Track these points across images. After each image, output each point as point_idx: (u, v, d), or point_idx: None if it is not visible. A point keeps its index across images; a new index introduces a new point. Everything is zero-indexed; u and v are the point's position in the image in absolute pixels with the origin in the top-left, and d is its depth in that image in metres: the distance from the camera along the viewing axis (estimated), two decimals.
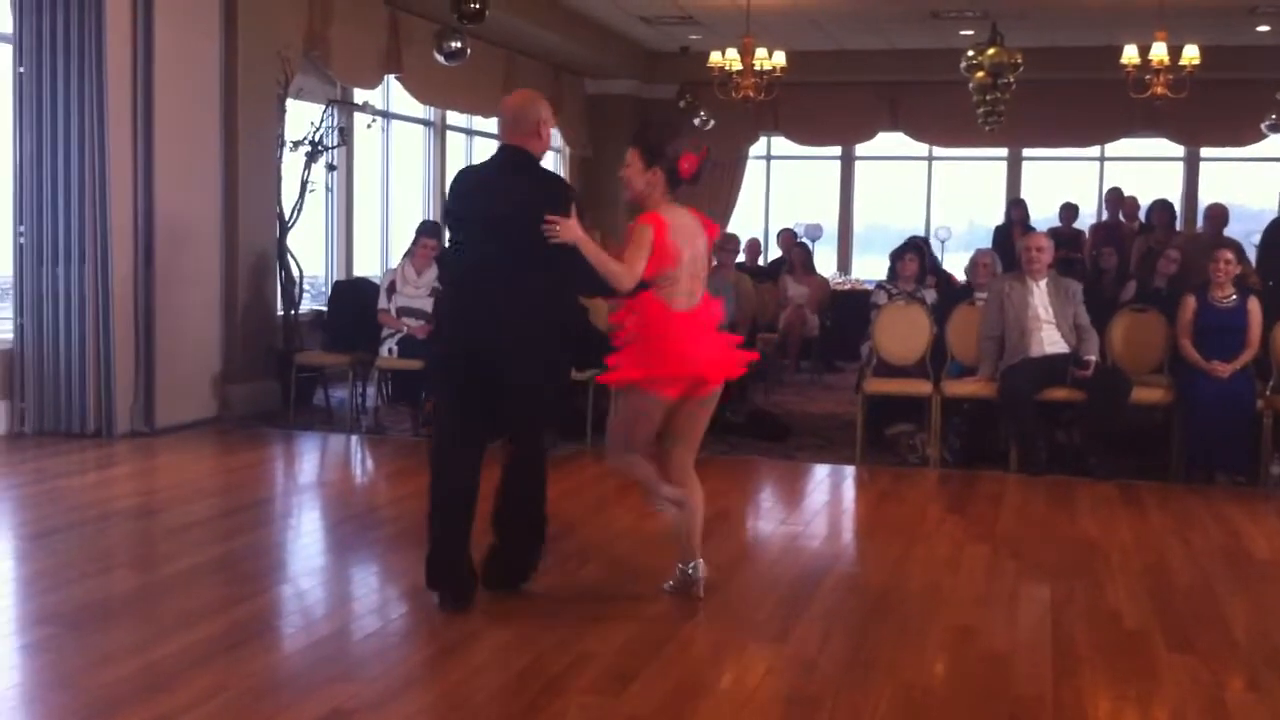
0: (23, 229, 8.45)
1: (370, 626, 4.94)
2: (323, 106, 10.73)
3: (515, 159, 5.20)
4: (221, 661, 4.38)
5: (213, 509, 6.80)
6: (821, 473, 8.16)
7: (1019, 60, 12.80)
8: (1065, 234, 13.01)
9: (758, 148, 17.99)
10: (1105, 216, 14.08)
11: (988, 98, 13.46)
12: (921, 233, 16.59)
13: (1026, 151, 17.25)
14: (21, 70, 8.36)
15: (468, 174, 5.43)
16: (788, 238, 14.27)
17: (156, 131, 8.70)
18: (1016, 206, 14.82)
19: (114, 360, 8.47)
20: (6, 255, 8.54)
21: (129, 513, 6.72)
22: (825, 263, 15.82)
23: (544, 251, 4.93)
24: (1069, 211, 13.89)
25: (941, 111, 16.17)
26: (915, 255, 9.37)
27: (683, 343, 5.07)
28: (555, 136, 16.97)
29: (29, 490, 7.14)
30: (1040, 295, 8.13)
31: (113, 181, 8.41)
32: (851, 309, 12.61)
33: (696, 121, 16.43)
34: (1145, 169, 16.66)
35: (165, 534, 6.24)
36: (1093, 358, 7.93)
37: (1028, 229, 13.25)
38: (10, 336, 8.52)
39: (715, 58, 12.88)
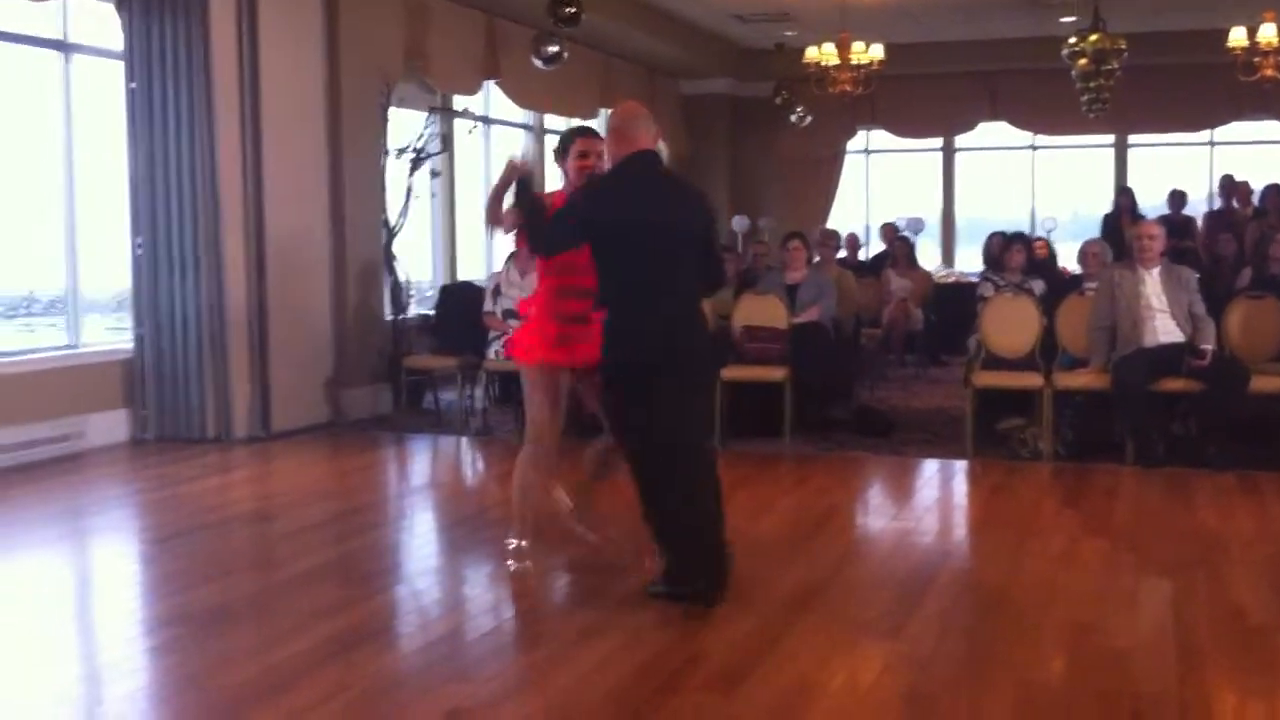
0: (140, 241, 8.69)
1: (484, 627, 5.00)
2: (424, 114, 10.87)
3: (657, 166, 5.39)
4: (340, 662, 4.46)
5: (328, 512, 6.93)
6: (931, 468, 8.08)
7: (1123, 46, 12.54)
8: (1176, 221, 12.76)
9: (856, 142, 17.86)
10: (1218, 204, 13.76)
11: (1091, 85, 13.20)
12: (1026, 224, 16.38)
13: (1132, 138, 16.91)
14: (133, 86, 8.59)
15: (616, 184, 5.27)
16: (890, 232, 14.16)
17: (265, 143, 8.90)
18: (1124, 194, 14.58)
19: (231, 367, 8.69)
20: (125, 267, 8.78)
21: (248, 517, 6.88)
22: (927, 256, 15.65)
23: (692, 254, 5.17)
24: (1178, 198, 13.61)
25: (1043, 99, 15.90)
26: (1022, 246, 9.24)
27: None
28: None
29: (152, 496, 7.35)
30: (1153, 284, 7.97)
31: (224, 192, 8.62)
32: (955, 302, 12.48)
33: (793, 118, 16.36)
34: (1256, 153, 16.23)
35: (283, 537, 6.38)
36: (1209, 346, 7.76)
37: (1136, 217, 13.01)
38: (131, 346, 8.76)
39: (811, 53, 12.83)
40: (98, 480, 7.73)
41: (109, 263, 8.89)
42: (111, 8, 8.55)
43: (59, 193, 8.53)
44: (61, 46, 8.49)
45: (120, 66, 8.63)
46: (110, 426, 8.55)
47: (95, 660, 4.65)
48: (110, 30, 8.66)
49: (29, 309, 8.91)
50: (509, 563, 5.50)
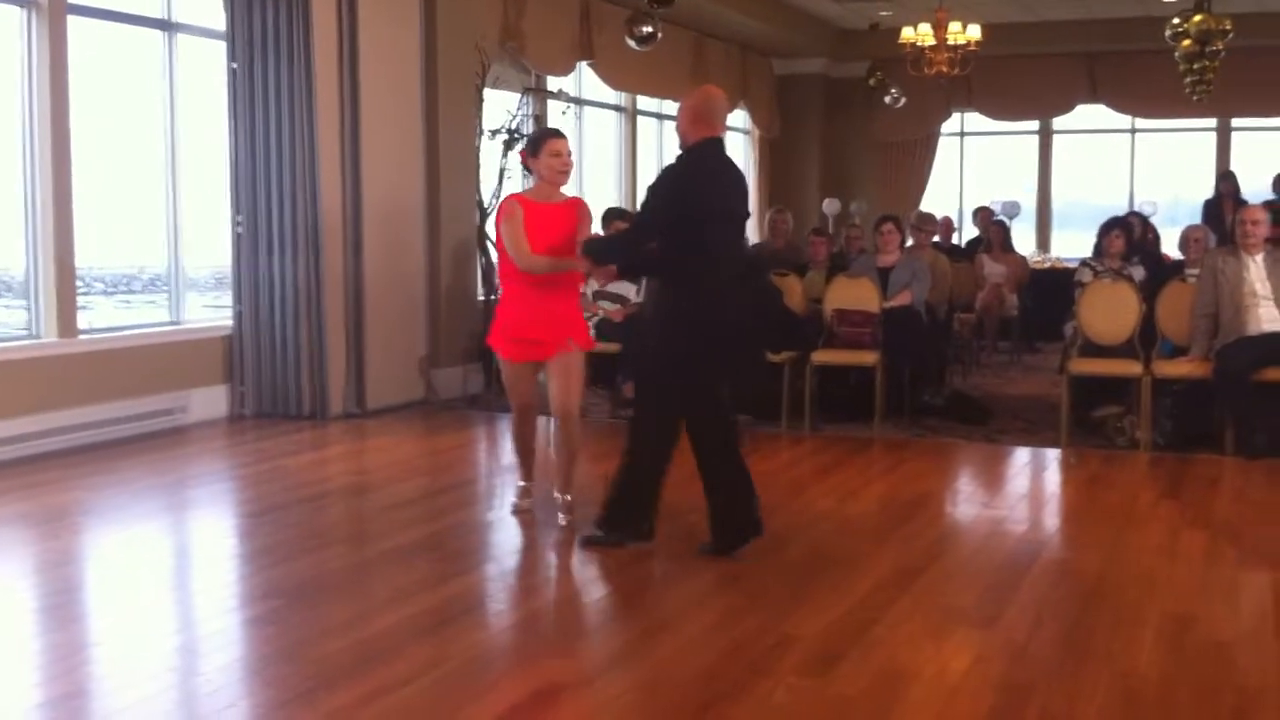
0: (240, 219, 8.83)
1: (575, 605, 5.04)
2: (518, 95, 10.93)
3: (725, 153, 5.61)
4: (436, 636, 4.51)
5: (421, 488, 7.02)
6: (1025, 456, 7.98)
7: (1228, 26, 12.25)
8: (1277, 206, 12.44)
9: (950, 124, 17.64)
10: None
11: (1195, 66, 12.93)
12: (1124, 208, 16.07)
13: (1235, 121, 16.52)
14: (235, 66, 8.73)
15: (710, 169, 5.49)
16: (985, 216, 13.98)
17: (363, 123, 9.01)
18: (1226, 179, 14.26)
19: (327, 345, 8.82)
20: (225, 245, 8.94)
21: (343, 491, 6.99)
22: (1023, 240, 15.43)
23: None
24: None
25: (1144, 81, 15.62)
26: (1122, 231, 9.07)
27: None
28: (743, 119, 16.96)
29: (251, 470, 7.49)
30: (1256, 270, 7.80)
31: (323, 173, 8.74)
32: (1051, 288, 12.30)
33: (887, 99, 16.23)
34: None
35: (377, 512, 6.47)
36: None
37: (1239, 203, 12.71)
38: (230, 323, 8.92)
39: (907, 33, 12.71)
40: (198, 454, 7.90)
41: (206, 241, 9.05)
42: None
43: (161, 171, 8.70)
44: (165, 26, 8.65)
45: (222, 46, 8.77)
46: (211, 402, 8.73)
47: (194, 631, 4.74)
48: (213, 10, 8.81)
49: (129, 286, 9.10)
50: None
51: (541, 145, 5.94)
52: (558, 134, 6.03)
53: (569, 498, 6.09)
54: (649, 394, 5.67)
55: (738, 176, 5.61)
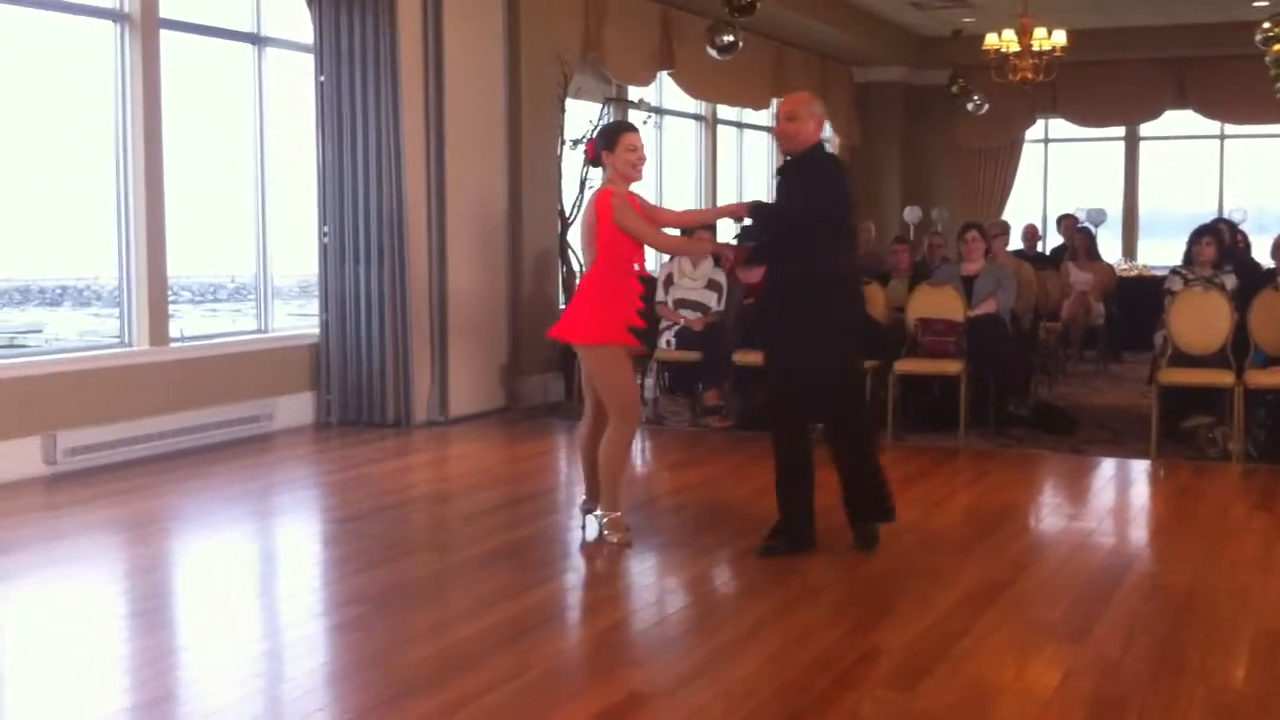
0: (327, 230, 8.94)
1: (658, 614, 5.02)
2: (599, 105, 10.96)
3: None
4: (518, 644, 4.52)
5: (503, 497, 7.05)
6: (1113, 467, 7.84)
7: None
8: None
9: (1034, 130, 17.43)
10: None
11: None
12: (1212, 215, 15.75)
13: None
14: (323, 79, 8.84)
15: (835, 165, 5.96)
16: (1070, 223, 13.77)
17: (448, 134, 9.09)
18: None
19: (412, 354, 8.90)
20: (313, 255, 9.05)
21: (427, 499, 7.05)
22: (1109, 248, 15.19)
23: None
24: None
25: (1234, 87, 15.33)
26: (1212, 239, 8.89)
27: None
28: (824, 127, 16.86)
29: (336, 477, 7.57)
30: None
31: (408, 184, 8.82)
32: (1138, 296, 12.10)
33: (970, 106, 16.08)
34: None
35: (461, 520, 6.51)
36: None
37: None
38: (316, 332, 9.04)
39: (991, 40, 12.58)
40: (285, 461, 8.00)
41: (292, 251, 9.18)
42: (303, 3, 8.80)
43: (250, 183, 8.84)
44: (254, 40, 8.79)
45: (310, 59, 8.89)
46: (297, 409, 8.84)
47: (279, 637, 4.79)
48: (301, 24, 8.93)
49: (215, 295, 9.25)
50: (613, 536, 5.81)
51: (618, 139, 5.82)
52: (632, 128, 5.95)
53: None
54: (790, 402, 5.69)
55: None
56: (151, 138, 7.85)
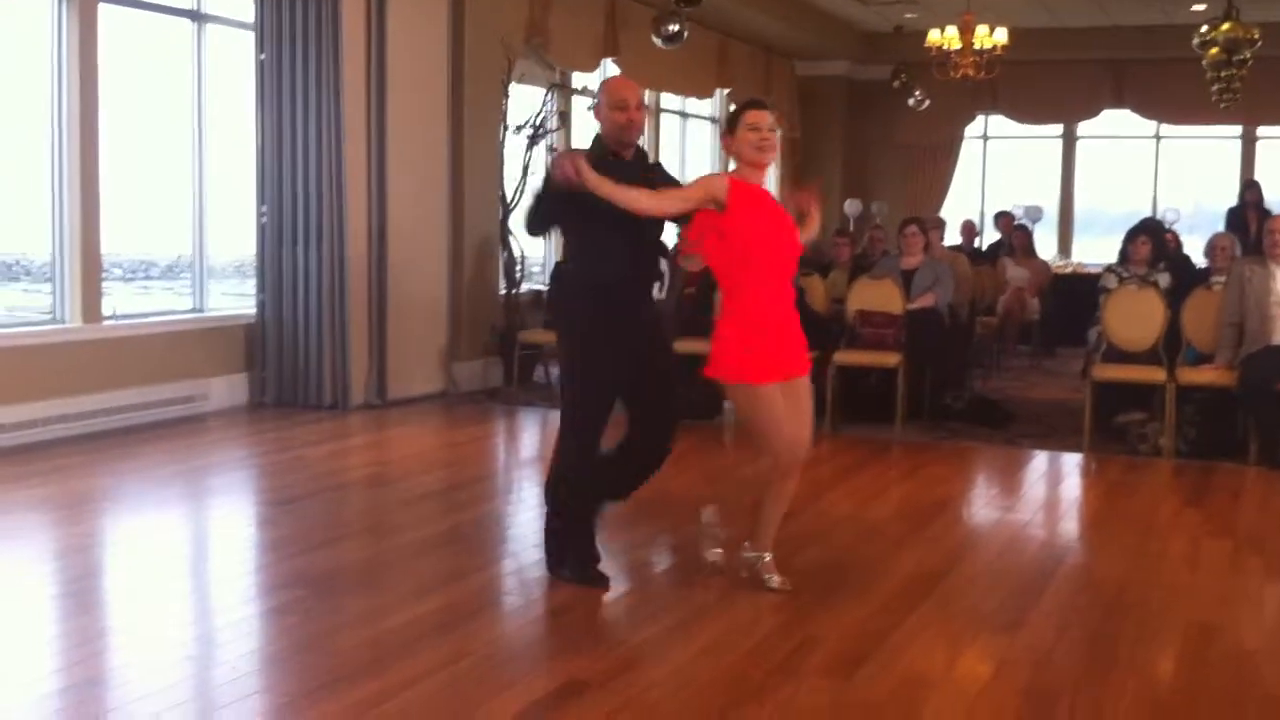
0: (265, 210, 8.84)
1: (596, 602, 5.01)
2: (543, 91, 10.92)
3: None
4: (455, 631, 4.50)
5: (441, 481, 7.01)
6: (1046, 461, 7.95)
7: (1256, 35, 12.20)
8: None
9: (974, 127, 17.58)
10: None
11: (1222, 74, 12.88)
12: (1146, 214, 15.99)
13: (1261, 130, 16.41)
14: (263, 57, 8.73)
15: None
16: (1007, 221, 13.93)
17: (389, 116, 9.01)
18: (1251, 188, 14.17)
19: (349, 336, 8.82)
20: (250, 234, 8.94)
21: (364, 482, 7.00)
22: (1044, 245, 15.38)
23: None
24: None
25: (1171, 88, 15.54)
26: (1148, 238, 9.02)
27: None
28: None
29: (272, 459, 7.49)
30: None
31: (348, 165, 8.74)
32: (1073, 293, 12.26)
33: (911, 102, 16.16)
34: None
35: (398, 504, 6.47)
36: None
37: (1263, 211, 12.64)
38: (253, 312, 8.93)
39: (933, 36, 12.66)
40: (219, 442, 7.90)
41: (228, 230, 9.06)
42: None
43: (187, 160, 8.71)
44: (195, 16, 8.66)
45: (251, 37, 8.78)
46: (231, 390, 8.74)
47: (213, 620, 4.73)
48: (242, 1, 8.81)
49: (147, 273, 9.12)
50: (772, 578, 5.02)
51: (740, 118, 4.89)
52: (760, 103, 4.96)
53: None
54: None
55: None
56: (88, 113, 7.72)
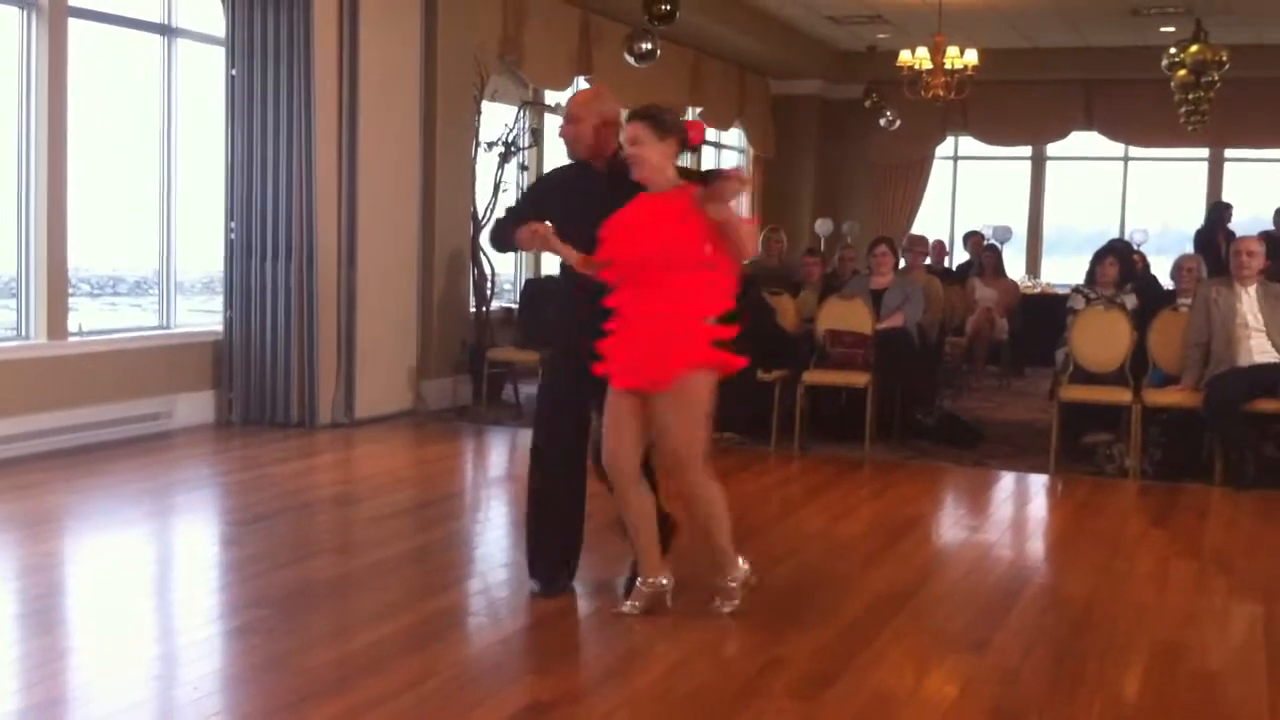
0: (233, 225, 8.80)
1: (563, 622, 5.00)
2: (515, 108, 10.92)
3: None
4: (422, 650, 4.47)
5: (410, 500, 6.98)
6: (1014, 481, 7.97)
7: (1224, 58, 12.34)
8: (1274, 238, 12.48)
9: (944, 148, 17.69)
10: None
11: (1190, 96, 13.02)
12: (1114, 235, 16.11)
13: (1228, 152, 16.58)
14: (234, 73, 8.70)
15: None
16: (976, 240, 14.01)
17: (360, 132, 8.98)
18: (1219, 209, 14.31)
19: (318, 353, 8.78)
20: (218, 250, 8.89)
21: (331, 501, 6.96)
22: (1013, 265, 15.47)
23: None
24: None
25: (1139, 110, 15.70)
26: (1115, 259, 9.08)
27: None
28: (739, 137, 16.99)
29: (238, 477, 7.44)
30: (1249, 302, 7.81)
31: (319, 180, 8.71)
32: (1041, 313, 12.32)
33: (883, 121, 16.26)
34: None
35: (366, 523, 6.43)
36: None
37: (1231, 233, 12.75)
38: (219, 329, 8.88)
39: (905, 56, 12.76)
40: (184, 460, 7.85)
41: (196, 246, 9.01)
42: None
43: (156, 175, 8.66)
44: (165, 31, 8.63)
45: (221, 52, 8.75)
46: (197, 407, 8.68)
47: (177, 639, 4.69)
48: (213, 16, 8.78)
49: (114, 289, 9.06)
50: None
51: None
52: (631, 115, 4.83)
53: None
54: None
55: None
56: (56, 127, 7.67)
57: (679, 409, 4.65)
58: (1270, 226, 13.05)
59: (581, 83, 12.75)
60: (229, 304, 8.84)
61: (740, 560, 4.92)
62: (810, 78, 17.07)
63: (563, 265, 5.01)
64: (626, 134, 4.75)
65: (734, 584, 4.89)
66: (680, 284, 4.64)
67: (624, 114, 4.94)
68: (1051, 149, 17.38)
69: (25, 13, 7.59)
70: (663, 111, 4.81)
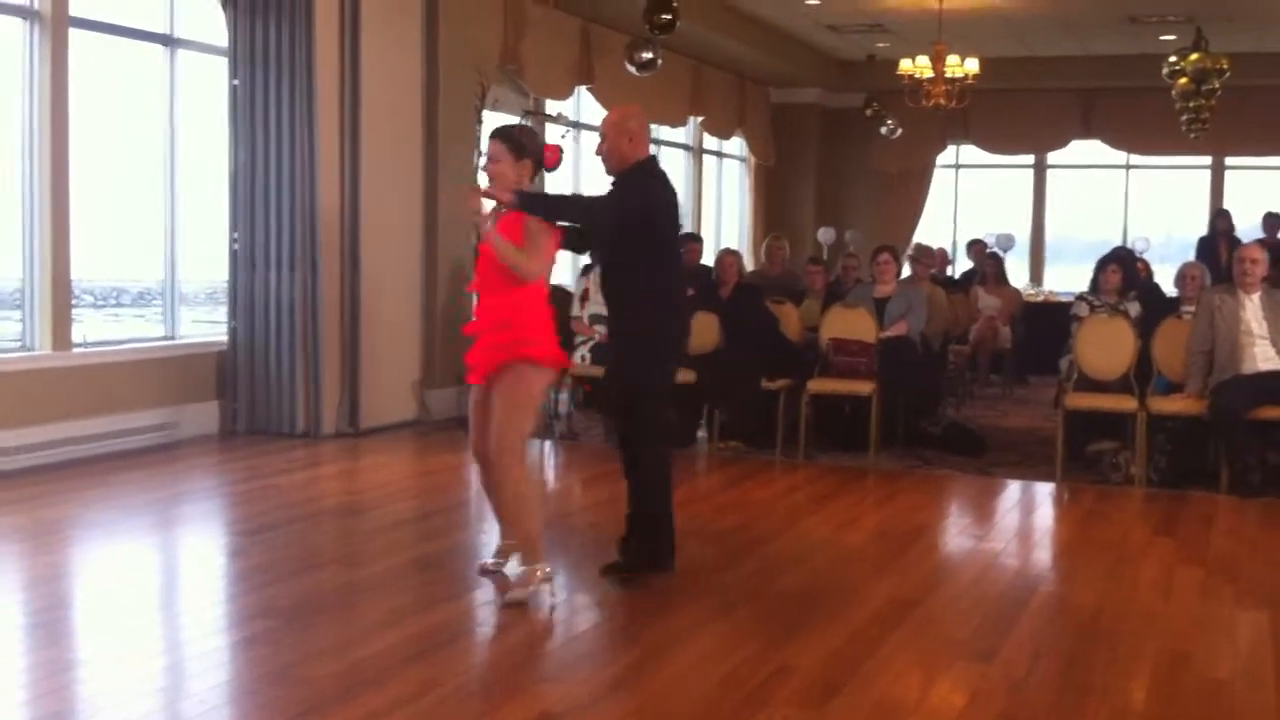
0: (237, 235, 8.80)
1: (571, 631, 5.00)
2: (517, 118, 10.93)
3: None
4: (428, 661, 4.47)
5: (414, 510, 6.98)
6: (1019, 490, 7.97)
7: (1225, 66, 12.34)
8: (1270, 245, 12.49)
9: (945, 156, 17.70)
10: None
11: (1191, 104, 13.02)
12: (1117, 243, 16.11)
13: (1230, 160, 16.59)
14: (236, 83, 8.72)
15: (666, 185, 5.63)
16: (979, 249, 14.01)
17: (363, 142, 8.99)
18: (1221, 217, 14.32)
19: (322, 363, 8.79)
20: (222, 261, 8.90)
21: (336, 511, 6.95)
22: (1016, 273, 15.48)
23: None
24: (1272, 221, 13.32)
25: (1140, 118, 15.71)
26: (1118, 267, 9.08)
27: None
28: (740, 146, 17.00)
29: (243, 488, 7.44)
30: (1253, 309, 7.81)
31: (322, 190, 8.72)
32: (1044, 321, 12.33)
33: (883, 130, 16.27)
34: None
35: (371, 533, 6.43)
36: None
37: (1234, 240, 12.76)
38: (224, 339, 8.88)
39: (905, 65, 12.77)
40: (189, 471, 7.84)
41: (201, 256, 9.02)
42: (217, 4, 8.68)
43: (160, 186, 8.67)
44: (167, 41, 8.63)
45: (224, 63, 8.76)
46: (203, 418, 8.68)
47: (183, 651, 4.68)
48: (215, 26, 8.80)
49: (118, 299, 9.06)
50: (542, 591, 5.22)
51: None
52: (493, 133, 5.35)
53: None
54: (654, 419, 5.56)
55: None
56: (58, 138, 7.67)
57: (501, 398, 5.12)
58: (1259, 232, 13.06)
59: (583, 92, 12.79)
60: (233, 314, 8.84)
61: (544, 560, 5.24)
62: (811, 86, 17.10)
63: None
64: (487, 150, 5.29)
65: (533, 572, 5.19)
66: (517, 292, 5.15)
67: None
68: (1053, 157, 17.40)
69: (28, 23, 7.60)
70: (523, 132, 5.44)
